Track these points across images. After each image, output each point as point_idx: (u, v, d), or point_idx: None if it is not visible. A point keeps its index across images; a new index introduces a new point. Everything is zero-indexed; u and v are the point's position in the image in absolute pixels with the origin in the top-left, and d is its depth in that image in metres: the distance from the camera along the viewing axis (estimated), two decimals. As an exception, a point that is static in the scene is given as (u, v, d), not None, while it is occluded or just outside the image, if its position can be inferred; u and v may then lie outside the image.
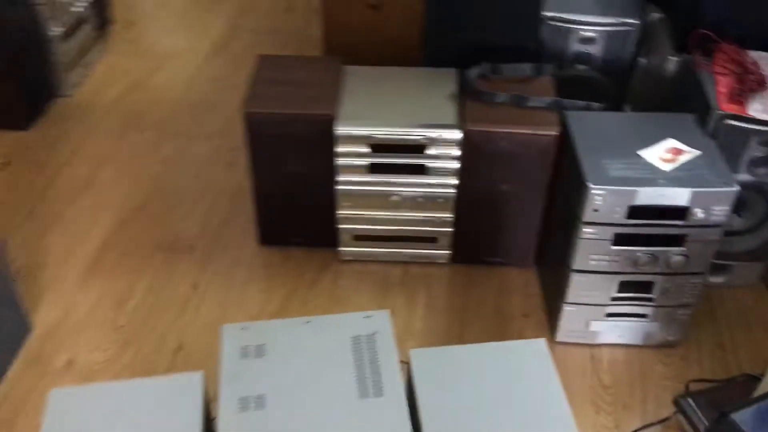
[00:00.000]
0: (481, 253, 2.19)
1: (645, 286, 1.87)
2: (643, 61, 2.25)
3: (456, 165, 2.01)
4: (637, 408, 1.85)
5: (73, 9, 2.85)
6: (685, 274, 1.84)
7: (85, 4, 2.93)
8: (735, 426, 1.22)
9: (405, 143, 1.98)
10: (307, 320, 1.53)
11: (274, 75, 2.12)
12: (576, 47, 2.25)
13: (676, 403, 1.79)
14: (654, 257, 1.80)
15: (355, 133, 1.97)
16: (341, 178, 2.05)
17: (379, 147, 1.99)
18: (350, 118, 1.98)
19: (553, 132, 1.92)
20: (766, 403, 1.27)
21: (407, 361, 1.45)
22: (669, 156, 1.79)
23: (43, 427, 1.31)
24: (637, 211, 1.73)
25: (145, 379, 1.43)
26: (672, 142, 1.82)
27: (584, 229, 1.77)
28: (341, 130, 1.97)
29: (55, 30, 2.73)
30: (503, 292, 2.15)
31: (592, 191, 1.71)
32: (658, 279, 1.85)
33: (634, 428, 1.80)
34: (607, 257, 1.81)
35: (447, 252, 2.19)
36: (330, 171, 2.05)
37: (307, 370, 1.42)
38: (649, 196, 1.71)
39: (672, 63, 2.16)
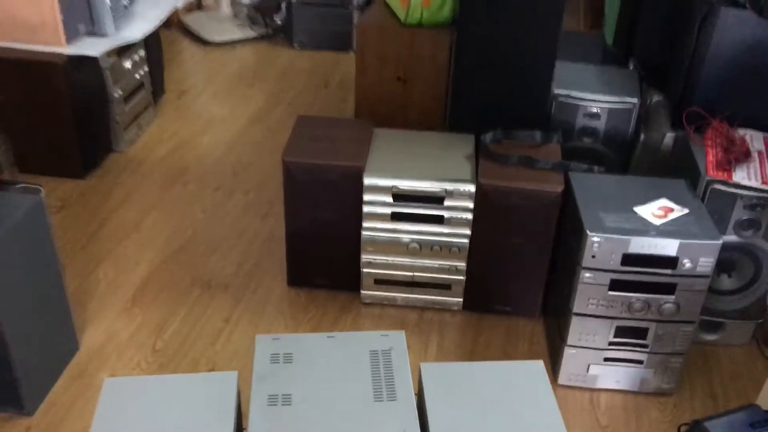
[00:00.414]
0: (491, 302, 2.38)
1: (640, 332, 2.04)
2: (642, 136, 2.49)
3: (470, 216, 2.23)
4: (631, 444, 1.99)
5: (133, 75, 3.17)
6: (677, 322, 2.01)
7: (143, 72, 3.26)
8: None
9: (424, 195, 2.20)
10: (330, 335, 1.73)
11: (311, 132, 2.38)
12: (582, 122, 2.50)
13: (666, 441, 1.93)
14: (647, 304, 1.98)
15: (380, 183, 2.21)
16: (366, 224, 2.27)
17: (402, 197, 2.22)
18: (377, 169, 2.22)
19: (558, 189, 2.14)
20: (737, 415, 1.42)
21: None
22: (661, 213, 1.99)
23: (98, 408, 1.50)
24: (630, 259, 1.93)
25: (187, 375, 1.62)
26: (664, 201, 2.03)
27: (583, 274, 1.96)
28: (368, 180, 2.20)
29: (117, 92, 3.05)
30: (510, 339, 2.32)
31: (591, 238, 1.91)
32: (651, 325, 2.02)
33: (627, 463, 1.94)
34: (604, 302, 1.99)
35: (459, 299, 2.38)
36: (356, 218, 2.28)
37: (329, 376, 1.60)
38: (640, 244, 1.91)
39: (668, 138, 2.40)
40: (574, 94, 2.48)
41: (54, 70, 2.76)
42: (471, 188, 2.19)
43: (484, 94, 2.44)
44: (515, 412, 1.53)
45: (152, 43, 3.34)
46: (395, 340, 1.71)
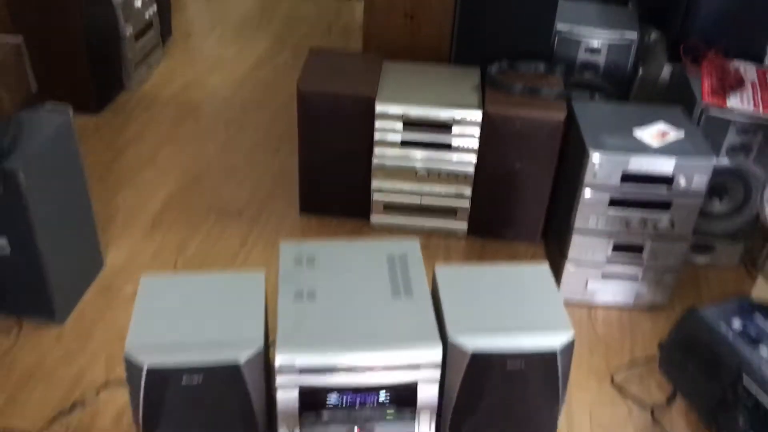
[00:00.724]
0: (494, 227, 2.50)
1: (636, 249, 2.17)
2: (641, 70, 2.59)
3: (476, 144, 2.33)
4: (626, 352, 2.12)
5: (143, 14, 3.24)
6: (671, 239, 2.14)
7: (152, 12, 3.32)
8: (699, 318, 1.49)
9: (433, 122, 2.31)
10: (349, 243, 1.84)
11: (323, 63, 2.48)
12: (583, 57, 2.60)
13: (661, 346, 2.07)
14: (644, 221, 2.11)
15: (391, 111, 2.31)
16: (377, 151, 2.38)
17: (411, 124, 2.32)
18: (388, 98, 2.32)
19: (561, 117, 2.25)
20: (729, 304, 1.54)
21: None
22: (658, 135, 2.11)
23: (136, 303, 1.61)
24: (629, 177, 2.05)
25: (218, 274, 1.74)
26: (661, 125, 2.15)
27: (585, 192, 2.08)
28: (380, 107, 2.30)
29: (128, 30, 3.12)
30: (512, 262, 2.45)
31: (592, 157, 2.02)
32: (647, 242, 2.15)
33: (622, 365, 2.07)
34: (603, 219, 2.11)
35: (464, 225, 2.50)
36: (367, 146, 2.38)
37: (351, 276, 1.72)
38: (639, 163, 2.02)
39: (665, 71, 2.51)
40: (575, 29, 2.57)
41: (69, 6, 2.83)
42: (478, 116, 2.29)
43: (490, 28, 2.53)
44: (523, 305, 1.66)
45: (161, -16, 3.41)
46: (410, 247, 1.82)
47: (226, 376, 1.49)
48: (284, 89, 3.30)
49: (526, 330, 1.58)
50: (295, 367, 1.51)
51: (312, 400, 1.56)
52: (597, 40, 2.57)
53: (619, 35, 2.57)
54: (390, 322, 1.60)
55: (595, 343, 2.16)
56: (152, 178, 2.73)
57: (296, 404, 1.56)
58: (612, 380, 2.03)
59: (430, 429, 1.63)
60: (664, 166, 2.02)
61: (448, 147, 2.35)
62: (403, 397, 1.59)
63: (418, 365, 1.55)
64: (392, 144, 2.36)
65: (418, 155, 2.38)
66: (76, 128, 2.80)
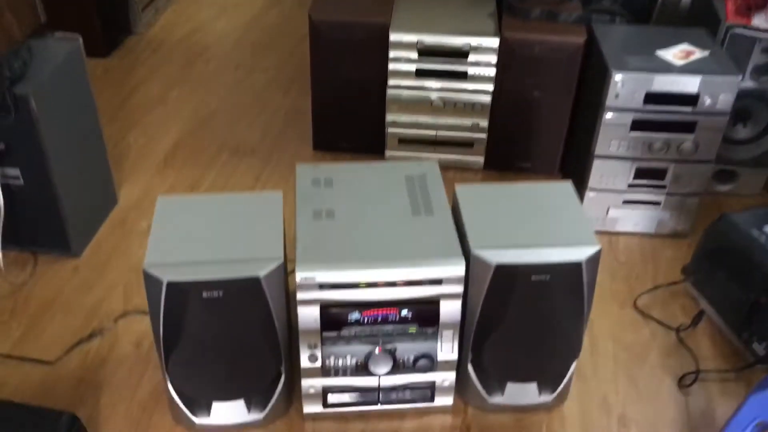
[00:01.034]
0: (512, 159, 2.46)
1: (659, 173, 2.12)
2: (661, -3, 2.53)
3: (493, 72, 2.28)
4: (649, 278, 2.09)
5: (148, -44, 3.19)
6: (695, 162, 2.09)
7: (158, -46, 3.26)
8: (731, 223, 1.45)
9: (449, 49, 2.25)
10: (367, 164, 1.80)
11: (335, -6, 2.43)
12: (602, -16, 2.53)
13: (684, 270, 2.03)
14: (667, 143, 2.06)
15: (406, 39, 2.25)
16: (392, 82, 2.33)
17: (427, 52, 2.27)
18: (403, 26, 2.27)
19: (581, 40, 2.19)
20: (761, 210, 1.50)
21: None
22: (682, 55, 2.05)
23: (155, 220, 1.59)
24: (652, 97, 1.99)
25: (237, 194, 1.71)
26: (685, 45, 2.09)
27: (606, 115, 2.03)
28: (394, 35, 2.25)
29: (134, -29, 3.07)
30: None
31: (615, 77, 1.97)
32: (670, 165, 2.10)
33: (645, 290, 2.04)
34: (625, 142, 2.07)
35: (481, 158, 2.46)
36: (381, 78, 2.33)
37: (369, 195, 1.68)
38: (663, 82, 1.97)
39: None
40: (593, -45, 2.50)
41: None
42: (495, 42, 2.23)
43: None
44: (546, 219, 1.62)
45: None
46: (429, 168, 1.79)
47: (247, 290, 1.46)
48: (293, 32, 3.25)
49: (550, 243, 1.55)
50: (316, 283, 1.49)
51: (333, 317, 1.53)
52: (615, -34, 2.50)
53: (638, -40, 2.50)
54: (411, 239, 1.57)
55: (617, 269, 2.12)
56: (163, 118, 2.69)
57: (317, 322, 1.53)
58: (635, 304, 2.00)
59: (452, 346, 1.61)
60: (689, 84, 1.97)
61: (464, 76, 2.30)
62: (425, 314, 1.56)
63: (441, 280, 1.51)
64: (407, 74, 2.31)
65: (434, 85, 2.33)
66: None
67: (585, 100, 2.23)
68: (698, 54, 2.05)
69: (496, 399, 1.70)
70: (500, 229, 1.59)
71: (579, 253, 1.52)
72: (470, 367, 1.66)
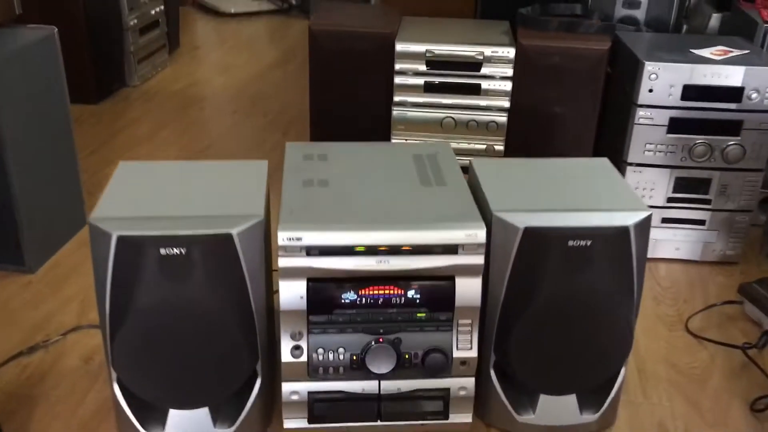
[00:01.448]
0: (531, 188, 2.20)
1: (702, 185, 1.86)
2: (685, 26, 2.36)
3: (509, 86, 2.07)
4: (699, 303, 1.77)
5: (150, 10, 3.09)
6: (742, 170, 1.83)
7: (159, 9, 3.17)
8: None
9: (461, 60, 2.06)
10: (367, 144, 1.56)
11: (337, 9, 2.27)
12: (621, 12, 2.38)
13: (741, 289, 1.73)
14: (710, 147, 1.81)
15: (414, 49, 2.07)
16: (397, 98, 2.12)
17: (436, 64, 2.07)
18: (410, 36, 2.09)
19: (605, 46, 2.00)
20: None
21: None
22: (720, 53, 1.85)
23: (111, 181, 1.33)
24: (691, 92, 1.77)
25: (214, 161, 1.46)
26: (722, 47, 1.89)
27: (639, 114, 1.80)
28: (401, 45, 2.06)
29: (132, 21, 2.95)
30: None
31: (647, 67, 1.76)
32: (714, 175, 1.84)
33: (696, 314, 1.72)
34: (662, 147, 1.82)
35: (497, 187, 2.21)
36: (386, 95, 2.12)
37: (369, 168, 1.43)
38: (703, 73, 1.75)
39: (714, 20, 2.27)
40: (611, -18, 2.37)
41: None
42: (510, 52, 2.05)
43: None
44: (582, 187, 1.36)
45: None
46: (440, 147, 1.54)
47: (216, 251, 1.17)
48: (296, 89, 3.09)
49: (590, 207, 1.27)
50: (301, 246, 1.20)
51: (322, 296, 1.23)
52: (636, -8, 2.36)
53: (659, -13, 2.36)
54: (419, 204, 1.29)
55: (661, 295, 1.82)
56: (148, 154, 2.47)
57: (303, 301, 1.23)
58: (686, 327, 1.68)
59: (471, 340, 1.29)
60: (732, 76, 1.75)
61: (477, 91, 2.09)
62: (437, 295, 1.26)
63: (456, 247, 1.22)
64: (414, 89, 2.10)
65: (444, 101, 2.12)
66: (73, 117, 2.61)
67: (613, 105, 2.00)
68: (737, 51, 1.85)
69: (527, 417, 1.35)
70: (528, 195, 1.32)
71: (626, 218, 1.24)
72: (493, 374, 1.34)
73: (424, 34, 2.13)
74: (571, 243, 1.21)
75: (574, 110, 2.08)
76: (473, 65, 2.07)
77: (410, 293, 1.25)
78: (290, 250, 1.20)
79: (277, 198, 1.30)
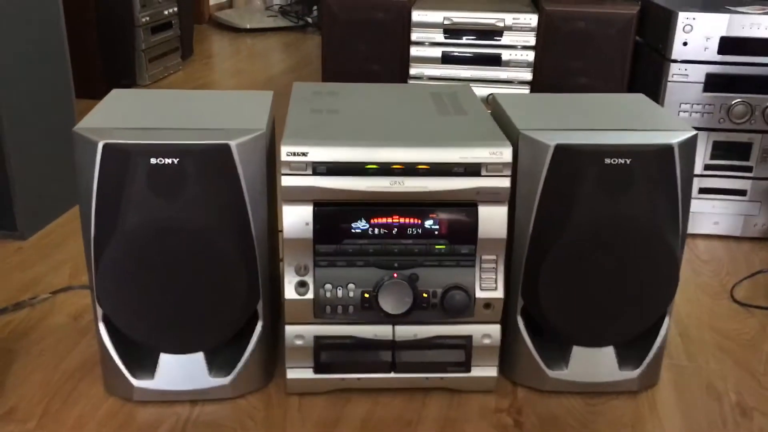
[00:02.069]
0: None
1: (742, 149, 1.72)
2: None
3: (531, 56, 1.97)
4: (743, 274, 1.62)
5: (163, 10, 3.04)
6: (786, 133, 1.70)
7: (172, 10, 3.12)
8: None
9: (480, 28, 1.97)
10: (380, 84, 1.45)
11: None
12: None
13: (789, 255, 1.58)
14: (750, 107, 1.68)
15: (431, 18, 1.97)
16: (413, 71, 2.02)
17: (454, 32, 1.98)
18: (427, 5, 2.00)
19: (633, 9, 1.90)
20: None
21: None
22: (759, 9, 1.74)
23: (103, 101, 1.24)
24: (729, 44, 1.65)
25: (215, 90, 1.36)
26: (759, 6, 1.78)
27: (673, 70, 1.68)
28: (418, 13, 1.97)
29: (144, 18, 2.90)
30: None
31: (681, 18, 1.64)
32: (756, 138, 1.71)
33: (740, 284, 1.57)
34: (698, 106, 1.70)
35: (520, 167, 2.08)
36: (401, 69, 2.03)
37: (382, 100, 1.31)
38: (741, 24, 1.64)
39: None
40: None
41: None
42: (533, 19, 1.95)
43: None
44: (620, 112, 1.23)
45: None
46: (460, 88, 1.42)
47: (212, 164, 1.05)
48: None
49: (629, 127, 1.15)
50: (307, 162, 1.08)
51: (330, 222, 1.11)
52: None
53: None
54: (437, 126, 1.18)
55: (701, 267, 1.66)
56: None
57: (309, 228, 1.10)
58: (732, 295, 1.53)
59: (497, 278, 1.15)
60: (773, 26, 1.64)
61: (497, 61, 1.99)
62: (459, 225, 1.12)
63: (479, 167, 1.09)
64: (431, 60, 2.00)
65: (462, 75, 2.01)
66: (79, 111, 2.53)
67: (643, 75, 1.89)
68: (777, 7, 1.74)
69: (559, 373, 1.20)
70: (558, 116, 1.20)
71: (669, 136, 1.11)
72: (520, 322, 1.19)
73: (441, 1, 2.04)
74: (608, 161, 1.08)
75: (600, 81, 1.97)
76: (493, 33, 1.97)
77: (428, 223, 1.12)
78: (295, 168, 1.08)
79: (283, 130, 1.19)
